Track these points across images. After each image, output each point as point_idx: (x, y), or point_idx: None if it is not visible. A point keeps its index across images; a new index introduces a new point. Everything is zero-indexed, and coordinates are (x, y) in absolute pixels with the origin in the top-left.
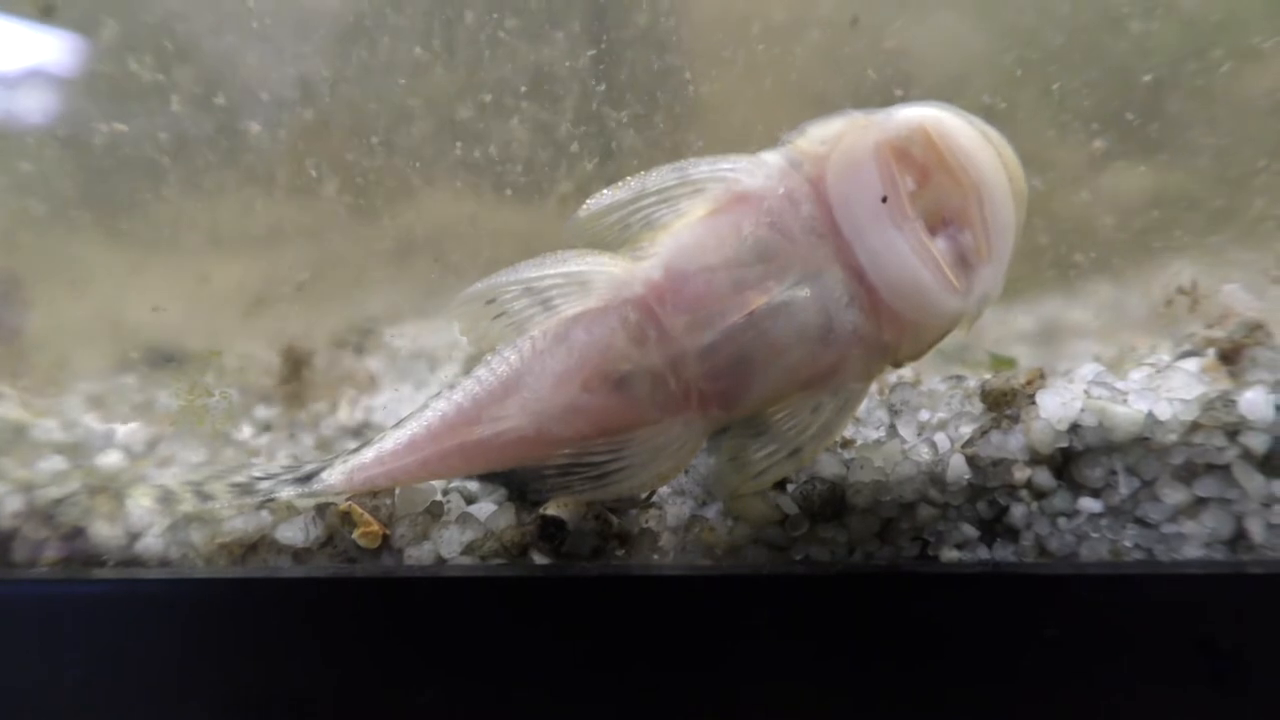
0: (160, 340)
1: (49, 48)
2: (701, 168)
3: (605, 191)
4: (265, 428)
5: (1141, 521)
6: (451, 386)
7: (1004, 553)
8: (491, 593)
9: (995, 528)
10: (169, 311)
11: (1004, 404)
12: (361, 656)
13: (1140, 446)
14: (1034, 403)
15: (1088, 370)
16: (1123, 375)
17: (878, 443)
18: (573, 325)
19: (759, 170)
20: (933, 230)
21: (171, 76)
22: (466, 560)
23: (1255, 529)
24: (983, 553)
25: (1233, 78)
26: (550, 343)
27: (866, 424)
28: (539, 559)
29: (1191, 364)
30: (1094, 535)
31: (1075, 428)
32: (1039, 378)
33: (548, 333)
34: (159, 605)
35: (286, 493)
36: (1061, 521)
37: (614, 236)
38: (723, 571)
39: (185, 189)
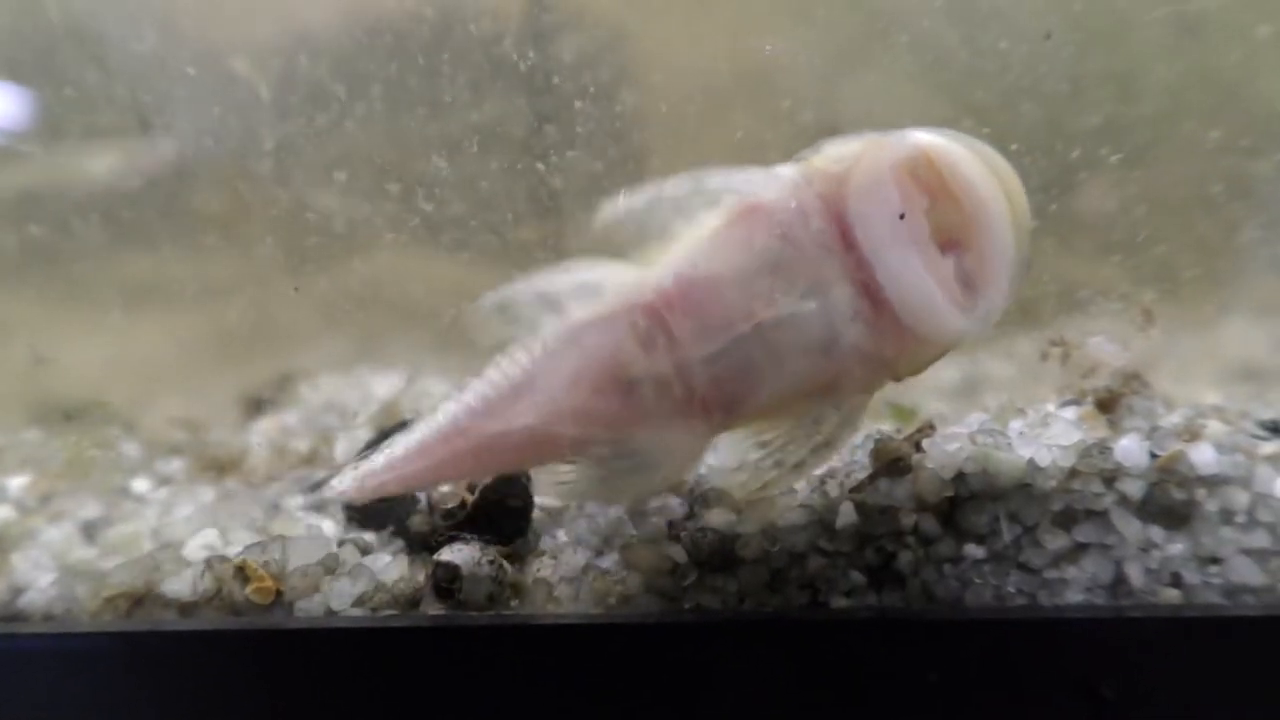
0: (71, 395)
1: None
2: (717, 179)
3: (621, 197)
4: (164, 481)
5: (1024, 567)
6: (460, 389)
7: (892, 599)
8: (381, 644)
9: (883, 574)
10: (88, 365)
11: (892, 459)
12: (248, 710)
13: (1022, 493)
14: (922, 450)
15: (973, 419)
16: (1004, 424)
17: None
18: (584, 328)
19: (773, 183)
20: (940, 251)
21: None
22: (358, 612)
23: (1134, 573)
24: (871, 599)
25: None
26: (561, 344)
27: None
28: (432, 610)
29: (1070, 412)
30: (978, 581)
31: (960, 476)
32: (929, 428)
33: (559, 334)
34: (42, 660)
35: (294, 501)
36: (947, 568)
37: (628, 242)
38: (612, 620)
39: (110, 242)
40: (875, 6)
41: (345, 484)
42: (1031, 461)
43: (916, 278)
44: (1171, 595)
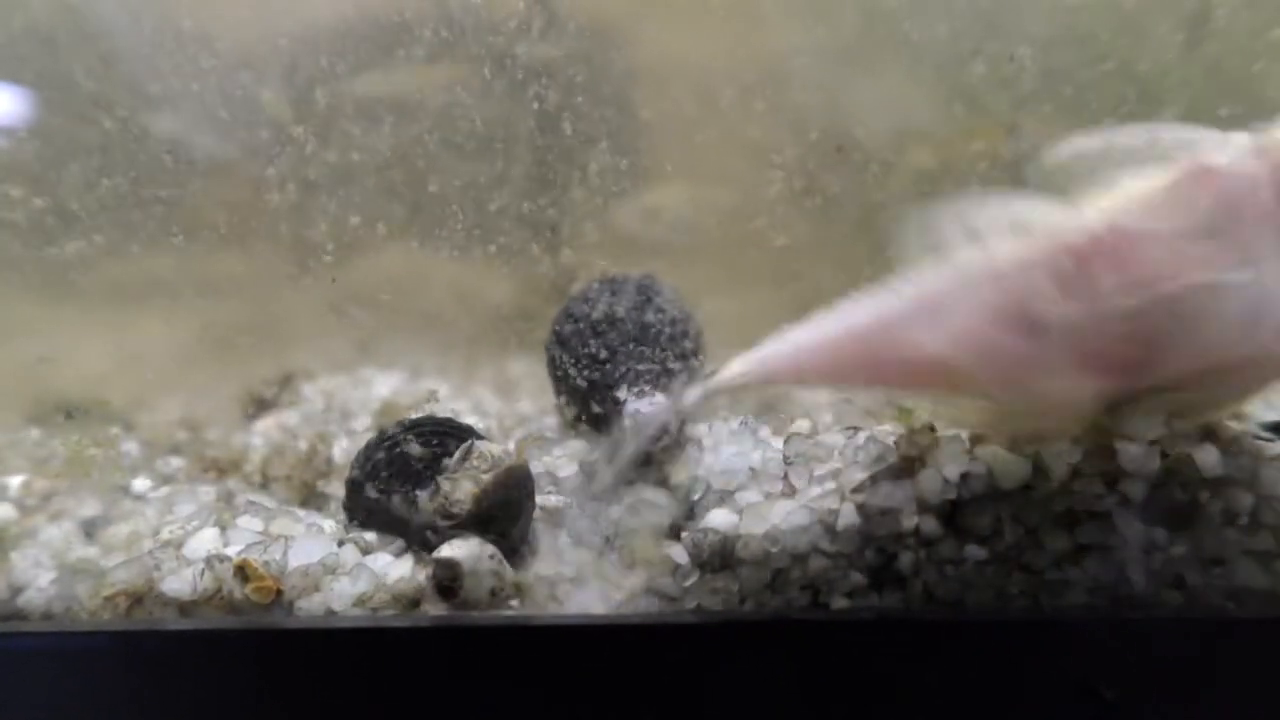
0: (71, 393)
1: None
2: (1171, 133)
3: (1075, 139)
4: (165, 480)
5: (1026, 568)
6: (862, 295)
7: (893, 600)
8: (381, 644)
9: (884, 575)
10: (88, 363)
11: (905, 458)
12: (247, 710)
13: (1024, 494)
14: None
15: None
16: None
17: (771, 496)
18: (1003, 260)
19: (1227, 148)
20: None
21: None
22: (358, 612)
23: (1136, 575)
24: (872, 600)
25: None
26: (979, 274)
27: (762, 476)
28: (433, 610)
29: None
30: (979, 582)
31: (962, 477)
32: (929, 430)
33: (978, 264)
34: (41, 659)
35: (693, 394)
36: (948, 569)
37: (1073, 183)
38: (612, 620)
39: (114, 241)
40: (877, 7)
41: (733, 371)
42: (1034, 463)
43: None
44: (1174, 597)
